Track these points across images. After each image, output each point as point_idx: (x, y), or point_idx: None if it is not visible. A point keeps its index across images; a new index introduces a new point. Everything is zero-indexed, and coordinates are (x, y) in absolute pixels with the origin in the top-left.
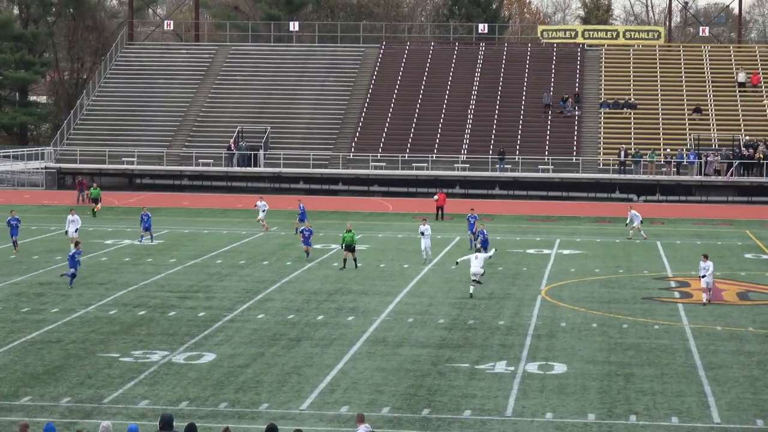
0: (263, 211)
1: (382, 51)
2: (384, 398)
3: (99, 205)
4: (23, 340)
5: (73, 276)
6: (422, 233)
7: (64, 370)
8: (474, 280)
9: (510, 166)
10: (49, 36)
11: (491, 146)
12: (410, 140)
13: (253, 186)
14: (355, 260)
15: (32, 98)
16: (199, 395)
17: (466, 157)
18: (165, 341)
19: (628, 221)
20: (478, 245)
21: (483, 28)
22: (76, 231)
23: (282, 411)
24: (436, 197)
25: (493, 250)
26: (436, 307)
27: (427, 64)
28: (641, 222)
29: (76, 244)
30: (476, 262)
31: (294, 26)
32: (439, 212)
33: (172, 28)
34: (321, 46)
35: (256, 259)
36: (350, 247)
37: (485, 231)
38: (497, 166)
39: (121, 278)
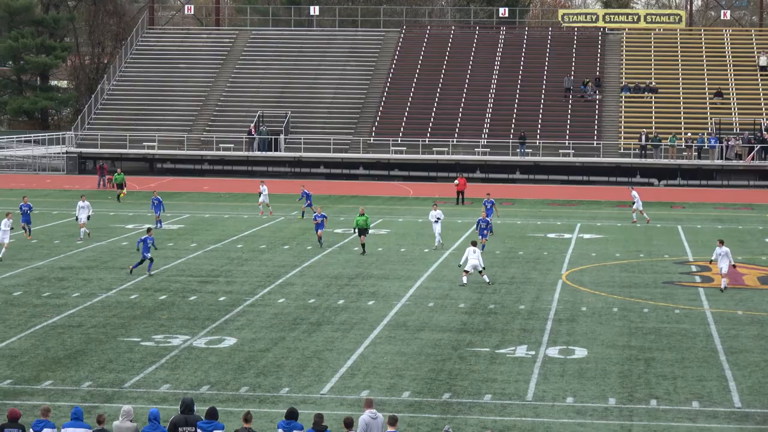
0: (264, 194)
1: (402, 35)
2: (404, 383)
3: (124, 191)
4: (44, 324)
5: (151, 260)
6: (437, 219)
7: (85, 355)
8: (467, 272)
9: (531, 150)
10: (70, 20)
11: (512, 130)
12: (431, 124)
13: (274, 170)
14: (363, 245)
15: (53, 83)
16: (220, 379)
17: (487, 142)
18: (186, 325)
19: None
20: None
21: (504, 11)
22: (88, 218)
23: (303, 395)
24: (456, 182)
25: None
26: (457, 292)
27: (448, 48)
28: (641, 204)
29: (148, 230)
30: (474, 256)
31: (314, 10)
32: (460, 197)
33: (192, 12)
34: (341, 30)
35: (276, 244)
36: (363, 231)
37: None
38: (518, 150)
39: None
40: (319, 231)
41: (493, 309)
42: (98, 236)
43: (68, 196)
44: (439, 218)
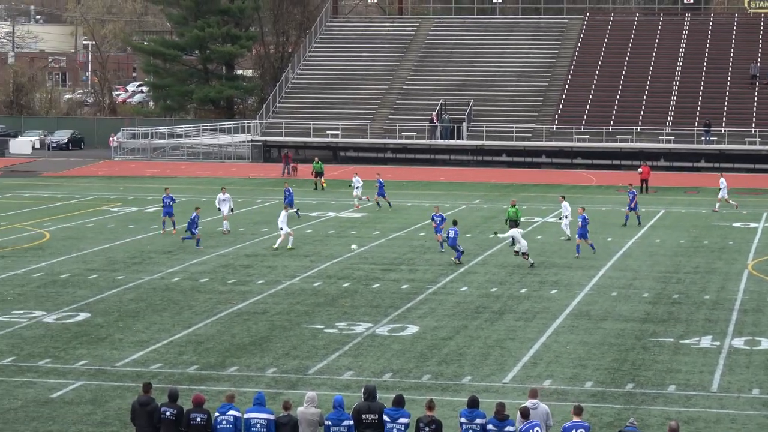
0: (357, 187)
1: (586, 22)
2: (587, 372)
3: (324, 179)
4: (230, 311)
5: (197, 240)
6: (565, 217)
7: (269, 341)
8: (523, 253)
9: (716, 138)
10: (255, 10)
11: (696, 118)
12: (614, 112)
13: (456, 159)
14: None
15: (238, 72)
16: (403, 367)
17: (671, 129)
18: (369, 313)
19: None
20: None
21: None
22: (231, 210)
23: (485, 384)
24: (640, 170)
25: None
26: (641, 281)
27: (632, 35)
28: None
29: (196, 208)
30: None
31: None
32: (644, 185)
33: (375, 1)
34: (524, 18)
35: (459, 232)
36: (514, 223)
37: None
38: (702, 138)
39: (326, 250)
40: (438, 235)
41: (677, 299)
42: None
43: (253, 184)
44: (566, 216)
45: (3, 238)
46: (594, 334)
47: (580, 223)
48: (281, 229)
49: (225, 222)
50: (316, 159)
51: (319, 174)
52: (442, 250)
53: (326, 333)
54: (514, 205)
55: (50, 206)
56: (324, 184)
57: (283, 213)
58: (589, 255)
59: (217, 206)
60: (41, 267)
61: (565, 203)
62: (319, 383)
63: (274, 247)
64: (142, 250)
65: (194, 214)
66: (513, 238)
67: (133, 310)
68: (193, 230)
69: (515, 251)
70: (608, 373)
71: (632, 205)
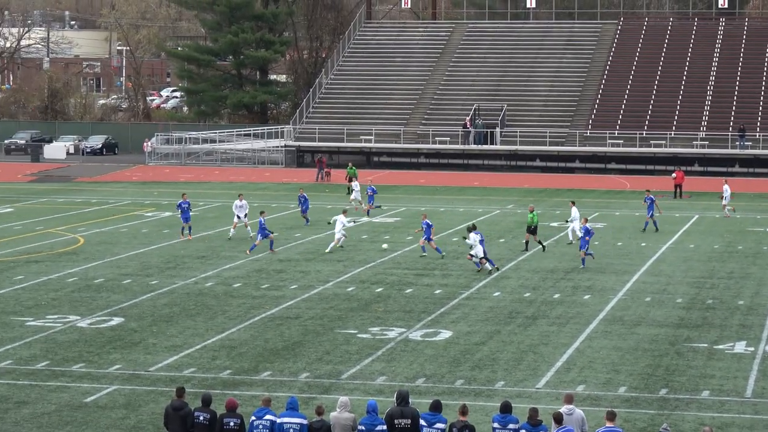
0: (356, 191)
1: (619, 27)
2: (621, 378)
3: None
4: (263, 316)
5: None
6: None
7: (302, 346)
8: (481, 259)
9: (751, 143)
10: (288, 15)
11: (731, 123)
12: (648, 117)
13: (490, 164)
14: (539, 242)
15: (272, 77)
16: (436, 372)
17: (705, 134)
18: (402, 318)
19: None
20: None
21: (723, 2)
22: (245, 216)
23: (518, 389)
24: (674, 175)
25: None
26: (674, 287)
27: (666, 40)
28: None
29: (261, 212)
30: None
31: (531, 3)
32: (678, 190)
33: (409, 6)
34: (558, 23)
35: (492, 237)
36: (530, 229)
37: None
38: (737, 143)
39: (358, 255)
40: (423, 239)
41: (711, 304)
42: (316, 229)
43: (287, 189)
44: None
45: (37, 243)
46: (627, 340)
47: (581, 234)
48: (337, 232)
49: (249, 228)
50: (350, 164)
51: (352, 179)
52: (424, 254)
53: (359, 338)
54: (532, 211)
55: (84, 211)
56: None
57: (342, 217)
58: (623, 260)
59: (235, 213)
60: (75, 272)
61: (574, 208)
62: (352, 388)
63: (327, 251)
64: (176, 254)
65: (261, 219)
66: (471, 245)
67: (166, 314)
68: (266, 233)
69: (470, 255)
70: (642, 378)
71: (650, 214)
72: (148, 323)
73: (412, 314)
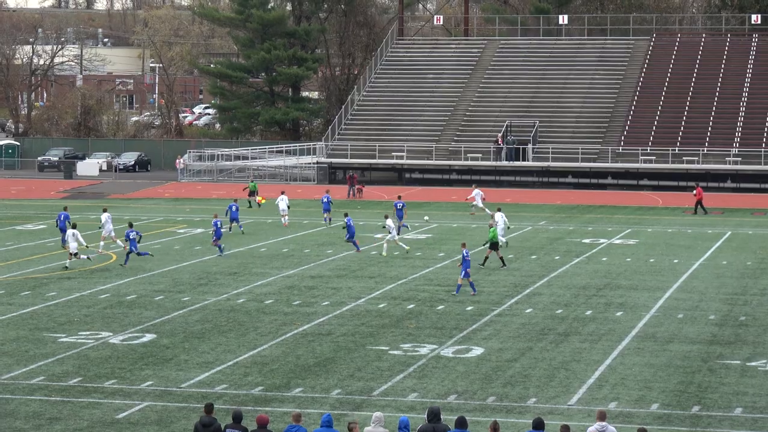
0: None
1: (652, 43)
2: (653, 395)
3: (261, 197)
4: (295, 332)
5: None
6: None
7: (334, 362)
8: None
9: None
10: (321, 32)
11: (764, 139)
12: (680, 133)
13: (521, 180)
14: (501, 258)
15: (304, 94)
16: (468, 389)
17: (738, 151)
18: (433, 335)
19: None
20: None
21: (756, 18)
22: (288, 207)
23: (550, 406)
24: (695, 192)
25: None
26: (707, 303)
27: (698, 56)
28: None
29: (345, 214)
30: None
31: (563, 19)
32: (698, 206)
33: (441, 22)
34: (590, 39)
35: (524, 254)
36: (492, 245)
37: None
38: None
39: (390, 272)
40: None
41: (744, 321)
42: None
43: (318, 205)
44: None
45: (70, 260)
46: (660, 356)
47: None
48: (389, 234)
49: (285, 217)
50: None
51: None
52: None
53: (391, 354)
54: (492, 227)
55: (117, 228)
56: (261, 202)
57: (389, 221)
58: (656, 276)
59: (277, 204)
60: (107, 288)
61: (499, 214)
62: (384, 405)
63: (383, 253)
64: (208, 271)
65: (347, 219)
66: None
67: (198, 331)
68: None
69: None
70: (674, 395)
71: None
72: (180, 339)
73: (443, 331)
